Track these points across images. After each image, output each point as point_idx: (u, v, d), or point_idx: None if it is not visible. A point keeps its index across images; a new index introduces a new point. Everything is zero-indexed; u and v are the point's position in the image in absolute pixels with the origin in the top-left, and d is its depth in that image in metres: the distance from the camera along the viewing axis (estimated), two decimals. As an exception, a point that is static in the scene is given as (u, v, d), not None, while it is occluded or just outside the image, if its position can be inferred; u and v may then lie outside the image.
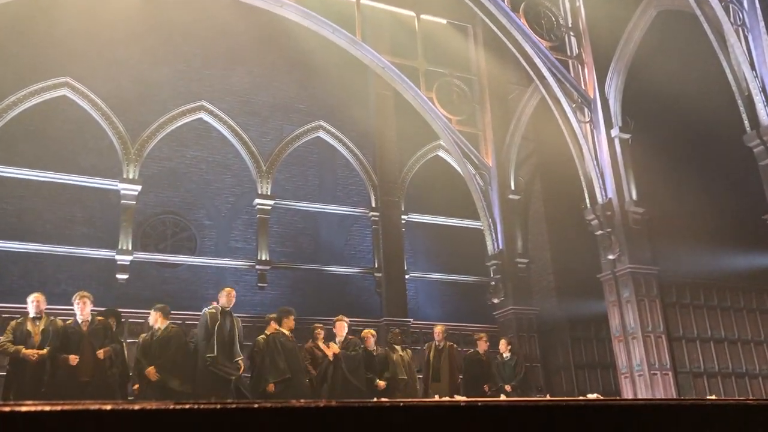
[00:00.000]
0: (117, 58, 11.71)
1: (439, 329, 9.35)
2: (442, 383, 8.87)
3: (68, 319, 7.36)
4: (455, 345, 9.64)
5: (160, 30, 12.12)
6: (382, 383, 8.42)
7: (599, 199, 10.52)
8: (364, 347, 8.84)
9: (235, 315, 7.93)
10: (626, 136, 10.78)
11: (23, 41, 11.28)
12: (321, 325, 8.75)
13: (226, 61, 13.00)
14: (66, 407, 1.08)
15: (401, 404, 1.20)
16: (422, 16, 12.86)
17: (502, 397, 8.26)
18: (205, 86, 12.78)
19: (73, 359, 6.89)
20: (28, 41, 11.31)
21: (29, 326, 7.05)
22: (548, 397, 9.43)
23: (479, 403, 1.28)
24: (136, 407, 1.10)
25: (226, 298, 7.81)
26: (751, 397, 9.09)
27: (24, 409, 1.10)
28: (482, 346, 9.54)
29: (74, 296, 7.37)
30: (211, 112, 12.66)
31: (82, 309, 7.23)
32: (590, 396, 7.90)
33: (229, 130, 12.84)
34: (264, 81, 13.23)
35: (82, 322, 7.21)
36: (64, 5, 10.97)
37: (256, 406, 1.17)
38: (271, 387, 7.54)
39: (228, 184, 12.97)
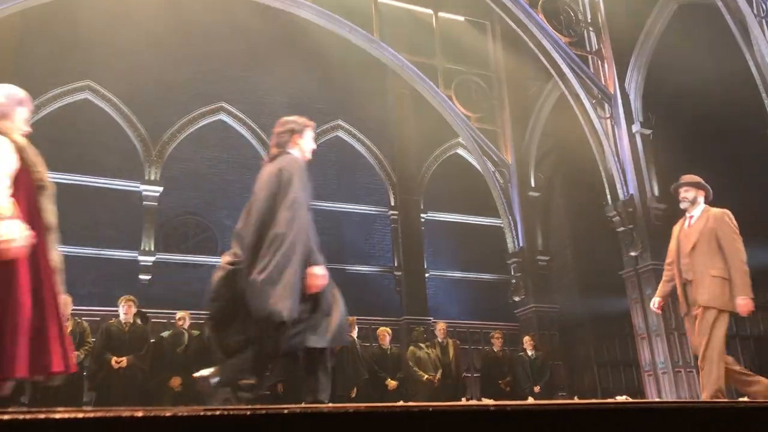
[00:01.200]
0: (137, 60, 11.80)
1: (441, 326, 9.35)
2: (450, 379, 8.88)
3: (111, 319, 7.70)
4: (458, 342, 9.60)
5: (179, 31, 12.19)
6: (393, 383, 8.39)
7: (621, 196, 10.40)
8: (378, 345, 8.87)
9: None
10: (647, 131, 10.66)
11: (45, 45, 11.42)
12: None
13: (245, 61, 13.05)
14: (98, 414, 1.09)
15: (430, 409, 1.20)
16: (440, 14, 12.82)
17: (530, 400, 8.19)
18: (225, 87, 12.84)
19: (117, 361, 7.10)
20: (50, 45, 11.44)
21: None
22: (576, 400, 9.34)
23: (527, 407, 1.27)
24: (168, 414, 1.11)
25: None
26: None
27: (58, 416, 1.11)
28: (497, 344, 9.47)
29: (120, 299, 7.64)
30: (230, 113, 12.73)
31: (127, 311, 7.51)
32: (619, 398, 7.82)
33: (248, 130, 12.91)
34: (282, 81, 13.26)
35: (124, 322, 7.47)
36: (85, 8, 11.08)
37: (285, 411, 1.17)
38: None
39: (248, 184, 12.99)
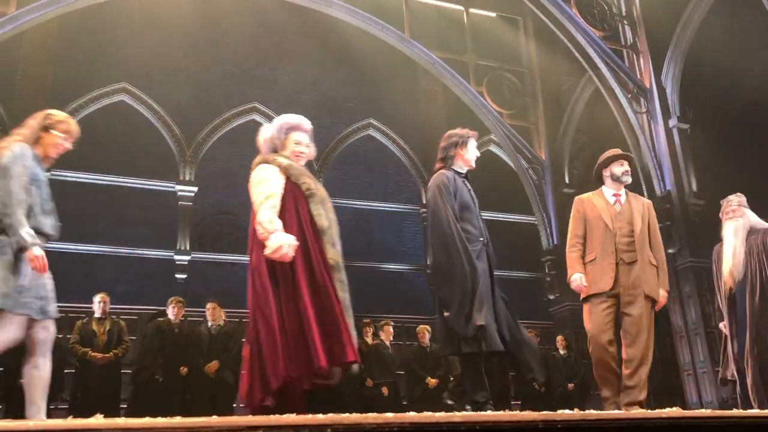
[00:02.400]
0: (171, 61, 11.96)
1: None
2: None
3: (160, 318, 7.76)
4: None
5: (211, 32, 12.32)
6: (433, 381, 8.36)
7: (658, 192, 10.21)
8: (417, 343, 8.85)
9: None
10: (685, 126, 10.44)
11: (81, 49, 11.64)
12: (368, 320, 8.79)
13: (276, 61, 13.13)
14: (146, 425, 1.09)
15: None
16: (471, 10, 12.72)
17: (575, 411, 8.03)
18: (257, 87, 12.94)
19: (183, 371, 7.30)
20: (86, 49, 11.66)
21: (94, 326, 7.30)
22: (624, 411, 9.16)
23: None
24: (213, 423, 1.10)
25: None
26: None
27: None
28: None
29: (169, 300, 7.78)
30: (263, 113, 12.81)
31: (177, 313, 7.65)
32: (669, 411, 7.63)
33: (280, 130, 12.97)
34: (313, 80, 13.31)
35: (174, 322, 7.61)
36: (118, 11, 11.26)
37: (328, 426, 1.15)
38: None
39: (280, 183, 13.07)
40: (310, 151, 3.68)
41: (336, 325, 3.16)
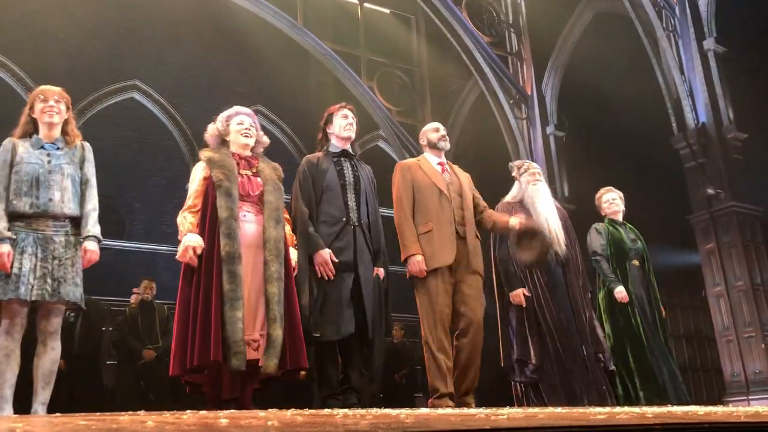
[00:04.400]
0: (47, 30, 11.15)
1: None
2: None
3: None
4: None
5: (93, 3, 11.61)
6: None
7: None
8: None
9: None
10: (561, 134, 11.02)
11: None
12: None
13: (163, 38, 12.57)
14: None
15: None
16: (365, 5, 12.76)
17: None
18: (139, 64, 12.33)
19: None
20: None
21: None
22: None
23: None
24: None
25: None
26: None
27: None
28: (397, 335, 9.54)
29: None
30: (144, 92, 12.24)
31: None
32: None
33: (162, 111, 12.45)
34: (202, 62, 12.86)
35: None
36: None
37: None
38: None
39: (160, 165, 12.57)
40: (254, 132, 3.74)
41: (206, 323, 3.13)
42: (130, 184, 11.95)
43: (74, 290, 3.21)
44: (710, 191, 8.73)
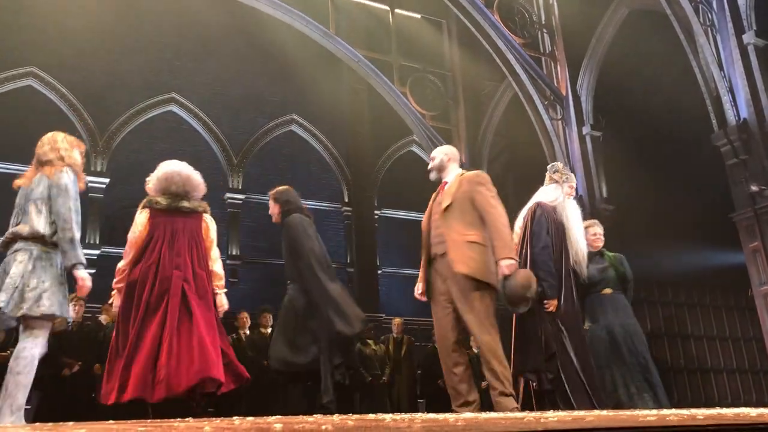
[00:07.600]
0: (86, 47, 11.44)
1: (397, 321, 9.43)
2: (403, 375, 8.95)
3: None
4: (412, 338, 9.61)
5: (131, 19, 11.89)
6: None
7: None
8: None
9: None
10: (597, 133, 10.88)
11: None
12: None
13: (198, 52, 12.80)
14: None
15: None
16: (396, 11, 12.81)
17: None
18: (176, 78, 12.57)
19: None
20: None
21: None
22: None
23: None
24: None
25: None
26: None
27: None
28: None
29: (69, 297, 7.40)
30: (181, 105, 12.48)
31: (77, 312, 7.18)
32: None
33: (199, 122, 12.68)
34: (236, 73, 13.05)
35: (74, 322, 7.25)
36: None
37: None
38: None
39: (199, 177, 12.75)
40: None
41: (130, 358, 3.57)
42: (169, 195, 12.15)
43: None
44: (754, 188, 8.51)
